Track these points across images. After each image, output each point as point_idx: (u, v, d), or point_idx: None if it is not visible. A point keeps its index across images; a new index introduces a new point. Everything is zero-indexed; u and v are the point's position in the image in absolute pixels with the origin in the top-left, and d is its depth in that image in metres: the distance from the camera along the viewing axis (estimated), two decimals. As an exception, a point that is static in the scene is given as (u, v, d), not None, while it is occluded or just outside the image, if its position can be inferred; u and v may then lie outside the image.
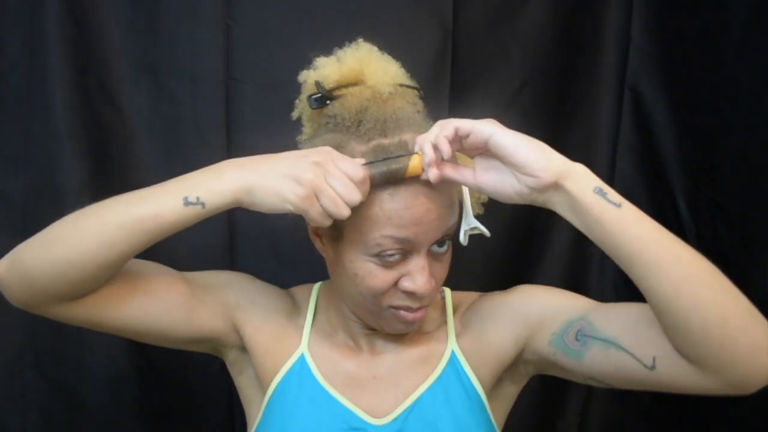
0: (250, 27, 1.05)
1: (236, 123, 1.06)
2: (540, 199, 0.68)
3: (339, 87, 0.77)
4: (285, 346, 0.82)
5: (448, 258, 0.78)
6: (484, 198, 0.80)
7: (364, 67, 0.77)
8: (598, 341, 0.72)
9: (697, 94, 1.09)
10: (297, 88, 0.84)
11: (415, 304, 0.75)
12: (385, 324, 0.78)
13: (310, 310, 0.86)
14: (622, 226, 0.64)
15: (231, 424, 1.12)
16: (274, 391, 0.81)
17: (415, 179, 0.70)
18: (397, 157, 0.70)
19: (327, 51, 0.81)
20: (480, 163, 0.71)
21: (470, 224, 0.76)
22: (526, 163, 0.66)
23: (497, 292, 0.85)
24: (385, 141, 0.72)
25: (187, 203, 0.68)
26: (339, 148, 0.73)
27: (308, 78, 0.81)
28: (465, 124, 0.68)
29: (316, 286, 0.89)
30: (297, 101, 0.84)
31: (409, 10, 1.07)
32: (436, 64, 1.07)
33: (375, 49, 0.80)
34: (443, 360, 0.81)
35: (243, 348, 0.84)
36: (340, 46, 0.81)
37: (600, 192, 0.65)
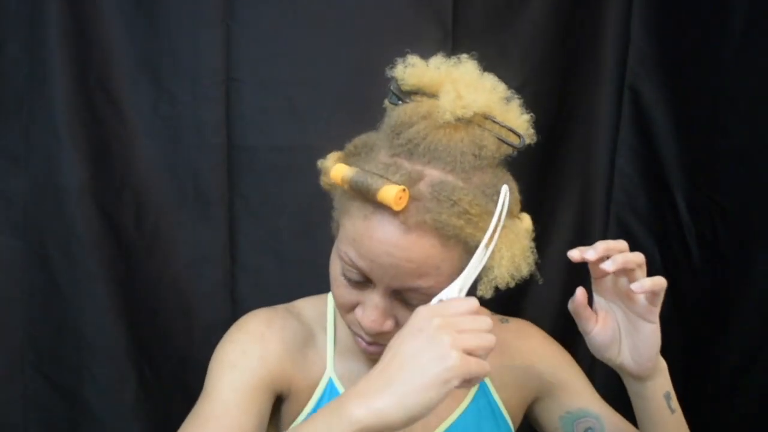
0: (250, 27, 1.05)
1: (236, 123, 1.06)
2: (619, 371, 0.71)
3: (416, 92, 0.67)
4: (310, 378, 0.76)
5: None
6: (501, 282, 0.65)
7: (447, 83, 0.66)
8: None
9: (696, 94, 1.09)
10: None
11: (366, 338, 0.68)
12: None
13: (329, 326, 0.79)
14: (666, 428, 0.71)
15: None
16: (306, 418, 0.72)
17: (396, 217, 0.62)
18: (381, 176, 0.62)
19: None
20: (602, 309, 0.70)
21: (447, 296, 0.63)
22: (644, 353, 0.67)
23: (524, 327, 0.85)
24: (405, 164, 0.63)
25: None
26: (367, 147, 0.68)
27: (397, 72, 0.69)
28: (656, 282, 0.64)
29: (330, 296, 0.80)
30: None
31: (409, 10, 1.07)
32: (436, 64, 1.07)
33: (477, 70, 0.69)
34: (474, 387, 0.79)
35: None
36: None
37: (667, 397, 0.71)
